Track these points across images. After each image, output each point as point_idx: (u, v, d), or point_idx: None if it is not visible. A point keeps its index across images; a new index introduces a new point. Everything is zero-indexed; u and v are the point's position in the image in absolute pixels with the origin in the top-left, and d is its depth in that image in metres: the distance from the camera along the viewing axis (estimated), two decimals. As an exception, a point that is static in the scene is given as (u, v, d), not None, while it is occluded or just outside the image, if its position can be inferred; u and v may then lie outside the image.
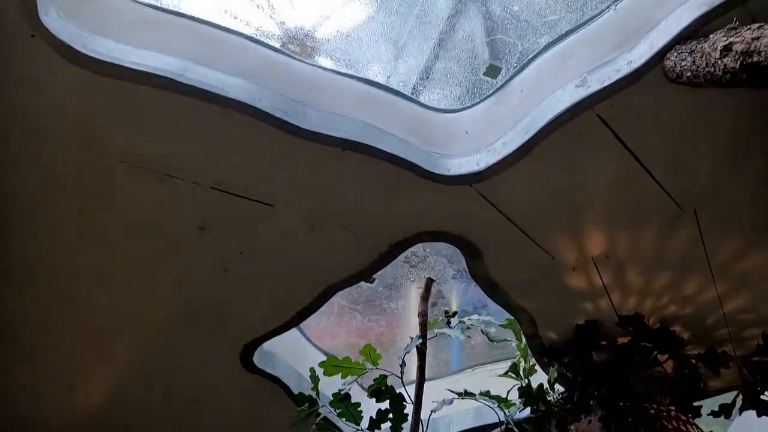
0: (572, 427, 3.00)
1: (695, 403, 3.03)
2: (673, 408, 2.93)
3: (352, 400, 3.05)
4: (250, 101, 2.24)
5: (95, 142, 2.28)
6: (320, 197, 2.56)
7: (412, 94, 2.85)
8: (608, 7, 2.30)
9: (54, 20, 1.93)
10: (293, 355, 3.70)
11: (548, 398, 3.03)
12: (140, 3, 2.30)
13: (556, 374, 3.04)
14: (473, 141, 2.57)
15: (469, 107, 2.67)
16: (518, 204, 2.59)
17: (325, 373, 3.04)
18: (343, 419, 3.07)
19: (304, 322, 3.54)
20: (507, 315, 3.17)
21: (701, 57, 1.89)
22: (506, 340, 3.29)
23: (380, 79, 2.83)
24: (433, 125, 2.65)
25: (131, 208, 2.51)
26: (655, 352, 2.99)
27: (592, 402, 2.99)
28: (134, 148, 2.31)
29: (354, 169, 2.46)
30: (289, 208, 2.57)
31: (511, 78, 2.54)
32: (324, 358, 3.11)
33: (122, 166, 2.35)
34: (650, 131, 2.26)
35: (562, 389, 3.14)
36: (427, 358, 3.00)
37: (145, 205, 2.52)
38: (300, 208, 2.58)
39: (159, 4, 2.34)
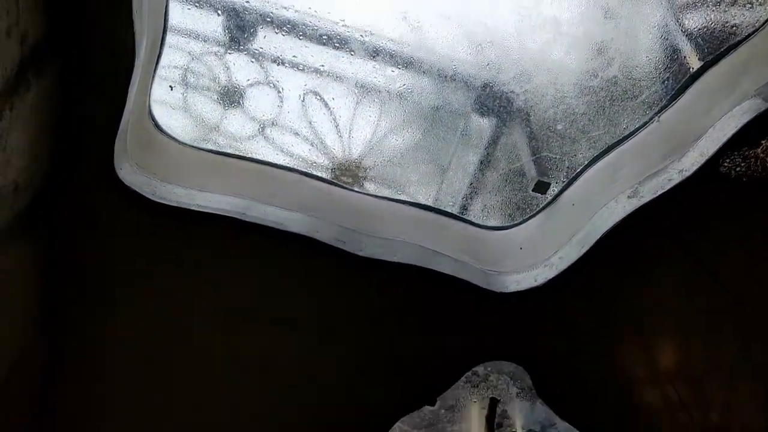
0: None
1: None
2: None
3: None
4: (309, 233, 2.30)
5: (165, 283, 2.35)
6: (381, 324, 2.54)
7: (461, 213, 2.90)
8: (651, 120, 2.35)
9: (128, 173, 2.07)
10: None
11: None
12: (202, 149, 2.45)
13: (640, 498, 2.81)
14: (529, 257, 2.57)
15: (521, 223, 2.70)
16: (580, 318, 2.53)
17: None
18: None
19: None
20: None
21: (756, 162, 1.90)
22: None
23: (430, 201, 2.91)
24: (487, 243, 2.67)
25: (198, 350, 2.54)
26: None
27: None
28: (202, 289, 2.37)
29: (412, 293, 2.46)
30: (351, 335, 2.56)
31: (561, 192, 2.57)
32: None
33: (189, 306, 2.41)
34: (713, 238, 2.23)
35: None
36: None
37: (212, 345, 2.53)
38: (361, 335, 2.57)
39: (221, 148, 2.49)
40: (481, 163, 2.86)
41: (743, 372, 2.57)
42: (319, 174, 2.64)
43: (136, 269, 2.31)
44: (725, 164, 2.03)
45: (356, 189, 2.61)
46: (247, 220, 2.22)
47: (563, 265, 2.41)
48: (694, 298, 2.38)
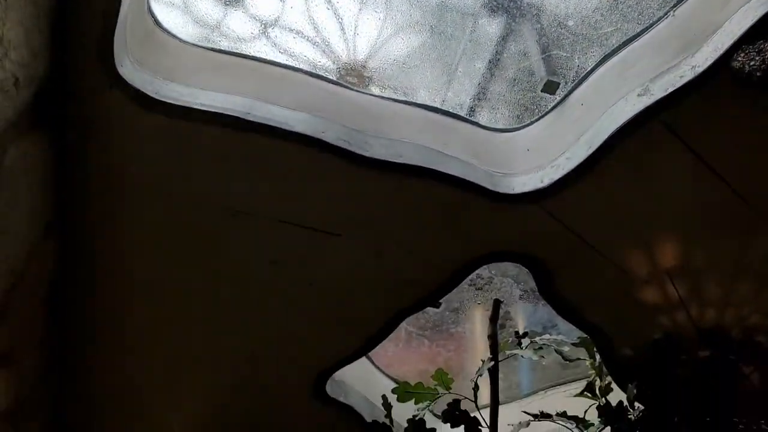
0: (657, 446, 2.89)
1: (789, 416, 2.88)
2: (763, 422, 2.80)
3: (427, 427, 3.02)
4: (314, 134, 2.30)
5: (170, 185, 2.37)
6: (386, 224, 2.58)
7: (469, 115, 2.86)
8: (666, 14, 2.27)
9: (129, 71, 2.04)
10: (364, 384, 3.71)
11: (629, 416, 2.93)
12: (204, 47, 2.41)
13: (635, 392, 2.94)
14: (535, 158, 2.56)
15: (529, 124, 2.67)
16: (586, 219, 2.55)
17: (398, 399, 3.03)
18: (419, 446, 3.03)
19: (373, 351, 3.56)
20: (578, 333, 3.11)
21: (771, 56, 1.85)
22: (580, 359, 3.21)
23: (436, 104, 2.87)
24: (494, 145, 2.65)
25: (207, 247, 2.59)
26: (739, 365, 2.87)
27: (676, 419, 2.88)
28: (207, 188, 2.39)
29: (418, 194, 2.48)
30: (356, 236, 2.60)
31: (571, 92, 2.53)
32: (394, 386, 3.11)
33: (197, 206, 2.43)
34: (722, 136, 2.21)
35: (641, 407, 3.03)
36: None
37: (221, 243, 2.59)
38: (367, 236, 2.61)
39: (222, 48, 2.44)
40: (490, 63, 2.80)
41: (742, 270, 2.62)
42: (324, 75, 2.60)
43: (143, 170, 2.33)
44: (739, 59, 1.97)
45: (362, 90, 2.57)
46: (251, 119, 2.20)
47: (570, 165, 2.40)
48: (699, 197, 2.39)
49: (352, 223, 2.56)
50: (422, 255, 2.69)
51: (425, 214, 2.56)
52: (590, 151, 2.32)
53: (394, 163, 2.39)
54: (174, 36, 2.29)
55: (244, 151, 2.28)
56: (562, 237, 2.58)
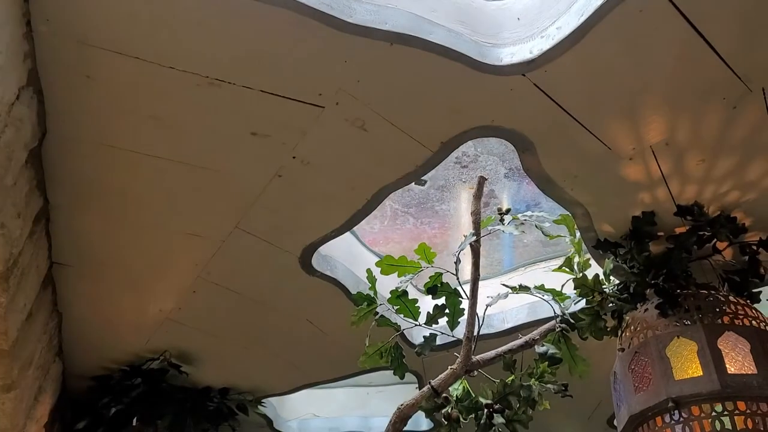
0: (628, 315, 3.03)
1: (755, 290, 3.00)
2: (731, 294, 2.92)
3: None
4: (295, -4, 2.19)
5: (144, 49, 2.29)
6: (371, 96, 2.53)
7: (459, -18, 2.73)
8: None
9: None
10: (350, 259, 3.81)
11: (604, 289, 3.05)
12: None
13: (611, 266, 3.04)
14: (525, 28, 2.48)
15: (520, -8, 2.56)
16: (573, 92, 2.51)
17: (382, 272, 3.11)
18: (402, 315, 3.16)
19: (358, 227, 3.62)
20: (560, 211, 3.16)
21: None
22: (560, 236, 3.28)
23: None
24: (484, 13, 2.56)
25: (185, 116, 2.56)
26: (714, 240, 2.96)
27: (648, 291, 3.00)
28: (182, 54, 2.32)
29: (403, 64, 2.42)
30: (340, 107, 2.57)
31: (565, -43, 2.40)
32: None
33: (172, 72, 2.37)
34: (714, 3, 2.12)
35: (617, 281, 3.15)
36: (480, 258, 3.04)
37: (199, 112, 2.55)
38: (350, 107, 2.57)
39: None
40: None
41: (726, 145, 2.63)
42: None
43: (111, 28, 2.24)
44: None
45: (346, -49, 2.43)
46: (229, -21, 2.09)
47: (560, 35, 2.33)
48: (688, 67, 2.35)
49: (335, 94, 2.51)
50: (407, 128, 2.67)
51: (410, 85, 2.52)
52: (582, 20, 2.24)
53: (379, 29, 2.30)
54: None
55: (219, 14, 2.19)
56: (548, 110, 2.56)
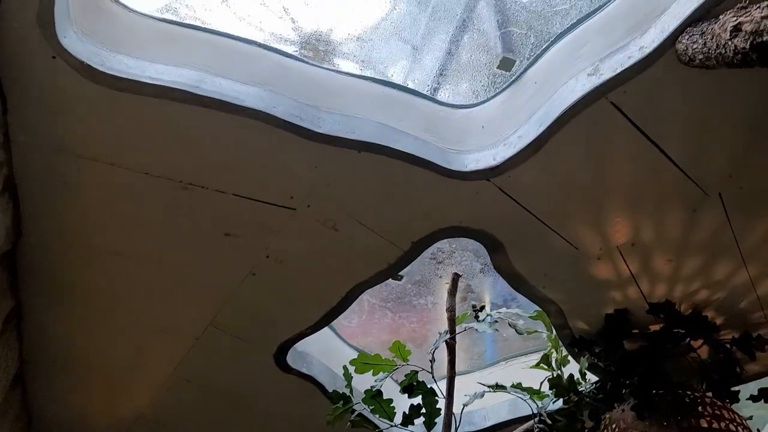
0: (606, 416, 2.98)
1: (733, 389, 2.97)
2: (709, 394, 2.88)
3: (385, 397, 3.08)
4: (265, 109, 2.29)
5: (120, 156, 2.37)
6: (341, 199, 2.60)
7: (429, 92, 2.86)
8: (617, -6, 2.27)
9: (73, 41, 2.02)
10: (327, 354, 3.76)
11: (579, 389, 3.01)
12: (155, 18, 2.37)
13: (587, 364, 3.02)
14: (489, 135, 2.58)
15: (485, 102, 2.68)
16: (538, 196, 2.58)
17: (356, 371, 3.08)
18: (377, 416, 3.10)
19: (336, 321, 3.61)
20: (537, 307, 3.17)
21: (712, 39, 1.86)
22: (537, 331, 3.27)
23: (397, 79, 2.86)
24: (450, 122, 2.66)
25: (160, 218, 2.60)
26: (688, 339, 2.95)
27: (624, 391, 2.96)
28: (157, 160, 2.39)
29: (372, 170, 2.49)
30: (311, 210, 2.62)
31: (525, 70, 2.54)
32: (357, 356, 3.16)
33: (147, 178, 2.44)
34: (667, 116, 2.23)
35: (594, 379, 3.12)
36: (461, 352, 3.03)
37: (173, 215, 2.60)
38: (322, 210, 2.63)
39: (174, 18, 2.41)
40: (450, 40, 2.78)
41: (690, 246, 2.68)
42: (282, 47, 2.58)
43: (89, 141, 2.32)
44: (683, 41, 1.99)
45: (316, 63, 2.56)
46: (200, 93, 2.19)
47: (521, 143, 2.42)
48: (646, 174, 2.42)
49: (306, 197, 2.57)
50: (378, 229, 2.72)
51: (379, 189, 2.58)
52: (541, 130, 2.34)
53: (347, 138, 2.39)
54: (122, 5, 2.26)
55: (194, 125, 2.28)
56: (514, 213, 2.62)
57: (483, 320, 3.12)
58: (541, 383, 3.19)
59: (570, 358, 3.27)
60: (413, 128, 2.57)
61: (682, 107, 2.19)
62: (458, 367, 3.10)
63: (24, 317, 2.94)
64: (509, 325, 3.01)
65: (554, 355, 3.27)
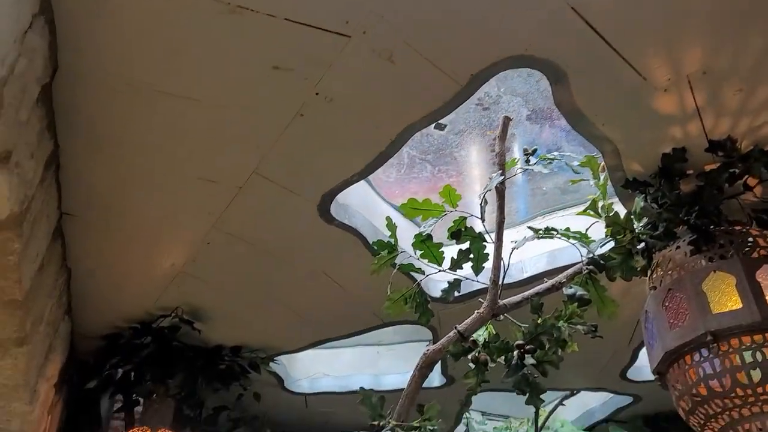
0: (657, 254, 2.97)
1: (786, 226, 2.95)
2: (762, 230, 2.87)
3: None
4: None
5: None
6: (399, 24, 2.41)
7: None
8: None
9: None
10: (365, 210, 3.71)
11: (634, 228, 2.98)
12: None
13: (641, 204, 2.97)
14: (563, -51, 2.36)
15: None
16: (609, 17, 2.40)
17: (405, 215, 3.04)
18: (425, 261, 3.07)
19: (373, 176, 3.53)
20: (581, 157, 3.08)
21: None
22: (584, 179, 3.21)
23: None
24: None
25: (205, 49, 2.42)
26: (746, 177, 2.89)
27: (678, 229, 2.94)
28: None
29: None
30: (367, 38, 2.44)
31: None
32: (394, 213, 3.09)
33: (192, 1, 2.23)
34: None
35: (645, 221, 3.08)
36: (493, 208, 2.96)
37: (219, 43, 2.42)
38: (378, 38, 2.44)
39: None
40: None
41: (764, 72, 2.55)
42: None
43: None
44: None
45: None
46: None
47: None
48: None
49: (362, 21, 2.38)
50: (437, 60, 2.55)
51: (441, 12, 2.38)
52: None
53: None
54: None
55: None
56: (582, 38, 2.45)
57: (536, 162, 3.03)
58: (587, 230, 3.16)
59: (615, 206, 3.23)
60: (479, -57, 2.34)
61: None
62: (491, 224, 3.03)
63: (62, 164, 2.81)
64: (566, 165, 2.93)
65: (601, 202, 3.22)
